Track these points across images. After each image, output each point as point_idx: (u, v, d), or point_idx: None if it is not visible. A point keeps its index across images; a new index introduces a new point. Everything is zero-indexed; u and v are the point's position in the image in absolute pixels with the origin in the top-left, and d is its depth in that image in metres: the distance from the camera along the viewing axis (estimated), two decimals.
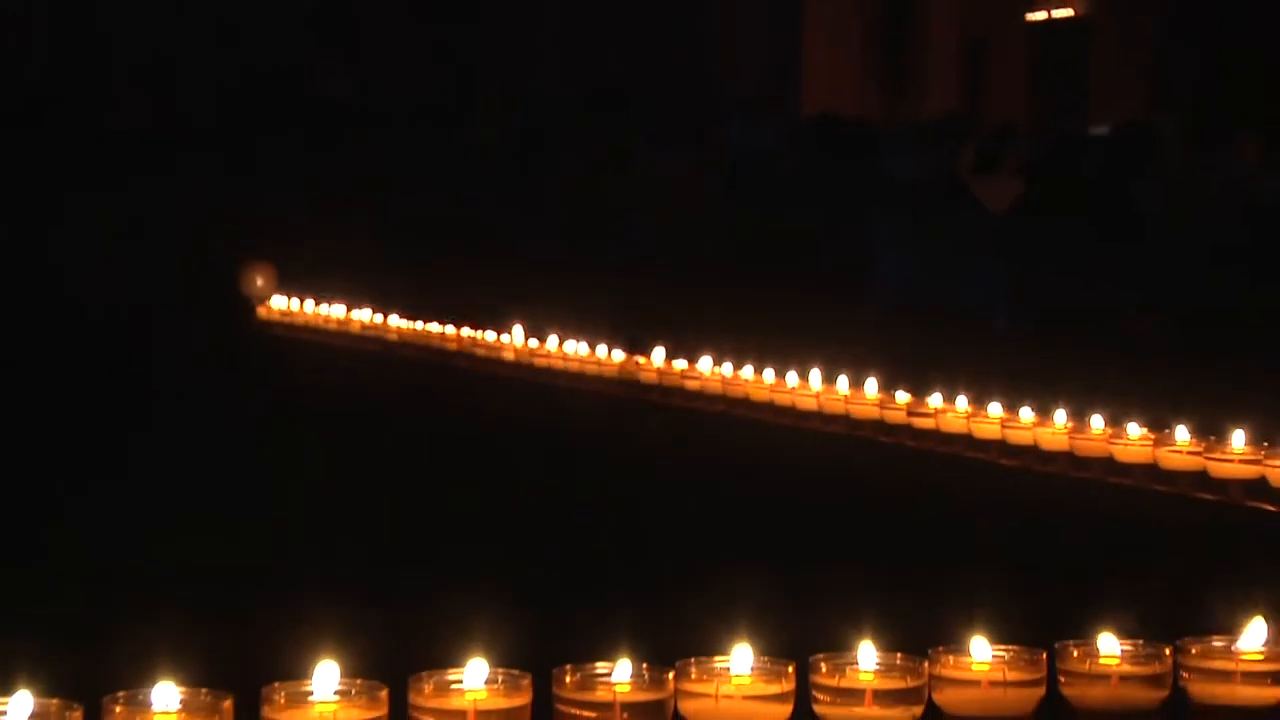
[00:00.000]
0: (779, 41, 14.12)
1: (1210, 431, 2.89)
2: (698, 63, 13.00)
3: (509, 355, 4.79)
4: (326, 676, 1.56)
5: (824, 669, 1.64)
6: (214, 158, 7.92)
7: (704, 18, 13.49)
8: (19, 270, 6.40)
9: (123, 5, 11.29)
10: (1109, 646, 1.71)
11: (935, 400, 3.37)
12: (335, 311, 5.76)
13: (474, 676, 1.59)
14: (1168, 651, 1.72)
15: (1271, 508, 2.74)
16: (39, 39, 11.57)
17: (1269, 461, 2.76)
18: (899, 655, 1.66)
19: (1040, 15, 15.86)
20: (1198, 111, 7.61)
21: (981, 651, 1.68)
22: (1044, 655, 1.68)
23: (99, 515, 3.72)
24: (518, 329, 4.76)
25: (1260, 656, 1.74)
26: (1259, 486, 2.77)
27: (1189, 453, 2.87)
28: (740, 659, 1.64)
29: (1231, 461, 2.81)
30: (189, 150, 8.10)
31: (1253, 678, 1.73)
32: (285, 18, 11.81)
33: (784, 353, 3.81)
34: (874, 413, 3.48)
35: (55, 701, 1.52)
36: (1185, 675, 1.73)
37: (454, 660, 1.60)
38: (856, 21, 16.78)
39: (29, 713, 1.50)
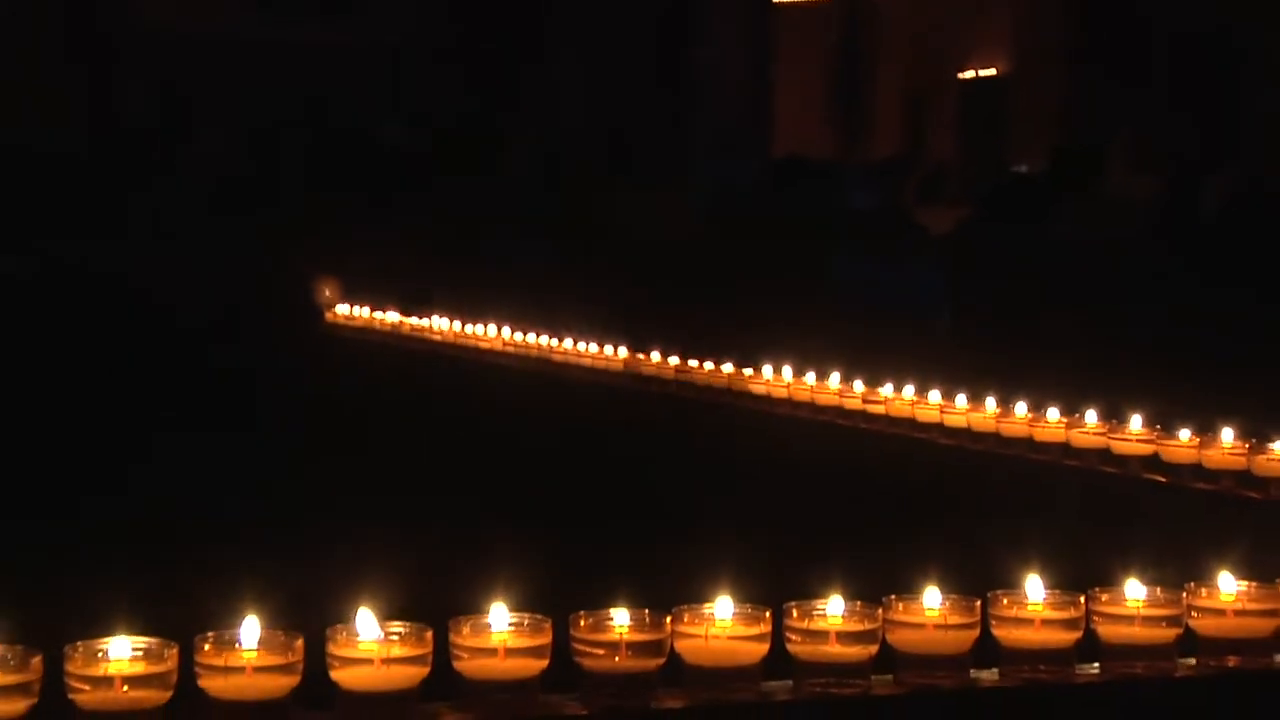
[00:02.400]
0: (754, 95, 14.16)
1: (1113, 416, 2.88)
2: (687, 112, 13.02)
3: (532, 352, 4.78)
4: (368, 621, 1.55)
5: (795, 614, 1.62)
6: (293, 193, 7.92)
7: (691, 75, 13.55)
8: (135, 283, 6.40)
9: (226, 72, 11.32)
10: (1033, 595, 1.69)
11: (885, 390, 3.37)
12: (388, 317, 5.77)
13: (502, 620, 1.57)
14: (1081, 599, 1.69)
15: (1163, 479, 2.72)
16: (150, 94, 11.57)
17: (1161, 441, 2.76)
18: (858, 602, 1.64)
19: (969, 74, 15.91)
20: (1090, 152, 7.66)
21: (927, 599, 1.66)
22: (978, 602, 1.66)
23: (191, 474, 3.71)
24: (543, 335, 4.75)
25: (1157, 603, 1.72)
26: (1153, 462, 2.76)
27: (1095, 433, 2.87)
28: (725, 606, 1.62)
29: (1130, 441, 2.80)
30: (273, 187, 8.11)
31: (1151, 621, 1.71)
32: (350, 77, 11.83)
33: (760, 351, 3.80)
34: (834, 400, 3.48)
35: (155, 640, 1.49)
36: (1096, 619, 1.71)
37: (485, 607, 1.58)
38: (818, 78, 16.84)
39: (130, 651, 1.48)
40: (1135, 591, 1.72)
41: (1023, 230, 6.17)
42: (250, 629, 1.51)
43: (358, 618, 1.53)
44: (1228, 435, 2.68)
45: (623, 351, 4.29)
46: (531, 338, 4.79)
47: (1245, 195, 6.64)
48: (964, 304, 5.39)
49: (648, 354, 4.17)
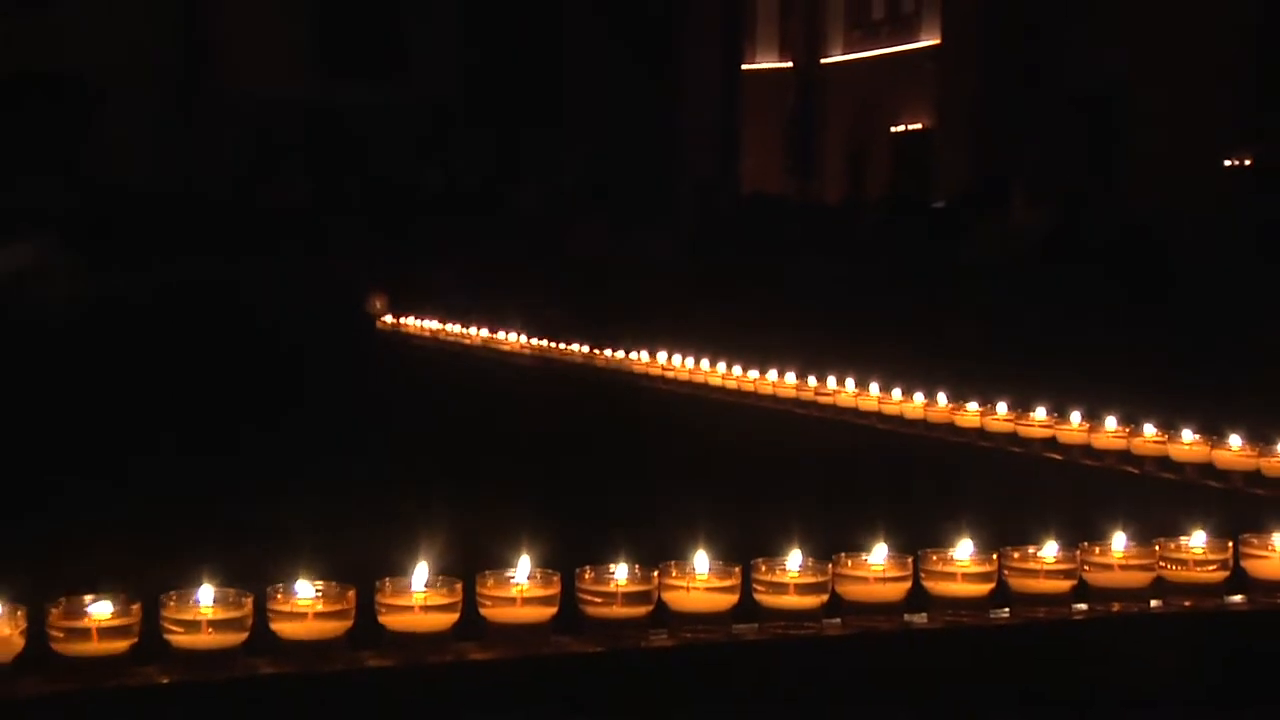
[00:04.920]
0: (726, 145, 14.19)
1: (1019, 406, 2.86)
2: (673, 158, 13.05)
3: (546, 355, 4.75)
4: (420, 574, 1.53)
5: (761, 569, 1.60)
6: (352, 224, 7.89)
7: (677, 129, 13.59)
8: (225, 301, 6.38)
9: (299, 126, 11.33)
10: (959, 553, 1.67)
11: (833, 384, 3.35)
12: (429, 325, 5.74)
13: (520, 574, 1.55)
14: (995, 556, 1.67)
15: (1059, 457, 2.70)
16: (238, 145, 11.58)
17: (1058, 427, 2.74)
18: (811, 559, 1.61)
19: (900, 128, 15.94)
20: (996, 190, 7.70)
21: (869, 556, 1.64)
22: (910, 559, 1.64)
23: (272, 454, 3.68)
24: (541, 340, 4.72)
25: (1058, 560, 1.70)
26: (1051, 443, 2.74)
27: (1004, 420, 2.85)
28: (703, 562, 1.60)
29: (1033, 426, 2.78)
30: (337, 220, 8.08)
31: (1052, 574, 1.69)
32: (397, 130, 11.82)
33: (732, 351, 3.78)
34: (791, 393, 3.46)
35: (234, 590, 1.47)
36: (1007, 572, 1.68)
37: (507, 564, 1.56)
38: (778, 131, 16.87)
39: (212, 600, 1.46)
40: (1039, 549, 1.70)
41: (940, 253, 6.17)
42: (309, 582, 1.49)
43: (415, 571, 1.51)
44: (1111, 422, 2.67)
45: (619, 353, 4.27)
46: (549, 342, 4.77)
47: (1119, 223, 6.65)
48: (893, 313, 5.38)
49: (639, 353, 4.15)
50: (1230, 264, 5.64)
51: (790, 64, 17.54)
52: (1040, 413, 2.79)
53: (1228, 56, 11.30)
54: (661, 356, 4.04)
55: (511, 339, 5.01)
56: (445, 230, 7.48)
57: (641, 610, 1.55)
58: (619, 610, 1.54)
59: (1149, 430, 2.59)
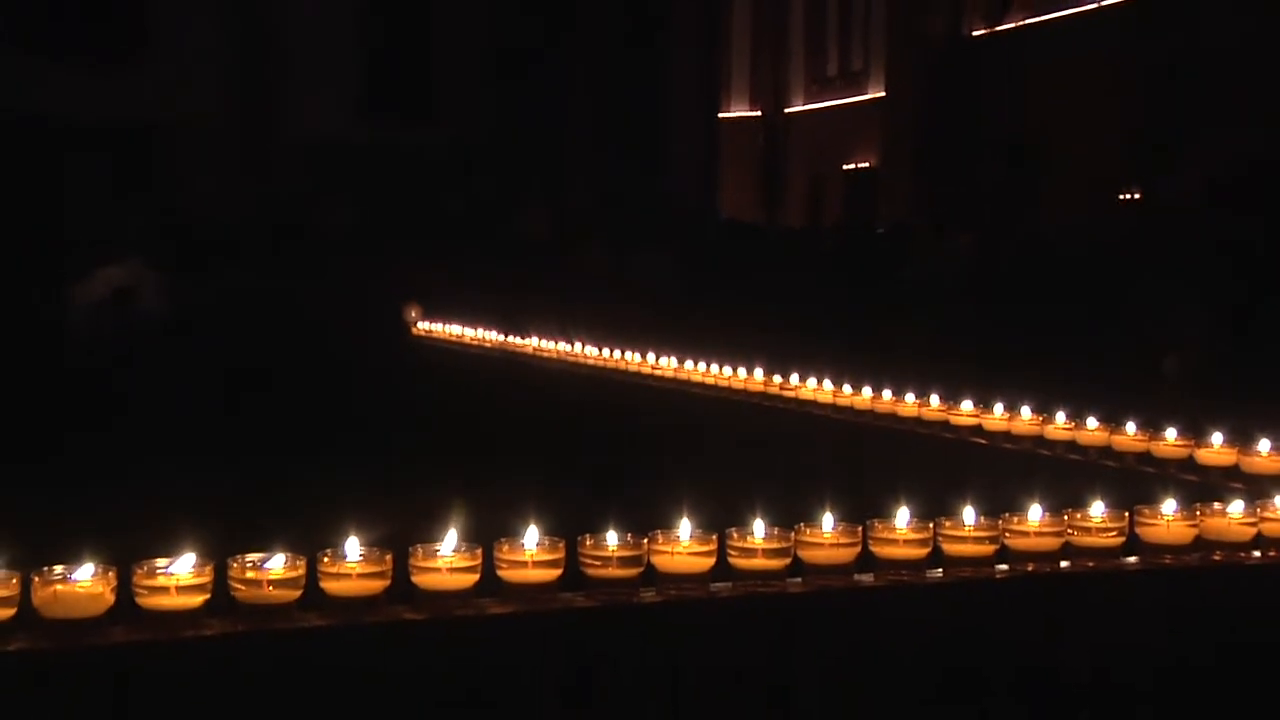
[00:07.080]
0: (706, 178, 14.21)
1: (950, 399, 2.86)
2: (662, 187, 13.06)
3: (554, 356, 4.74)
4: (450, 541, 1.52)
5: (734, 536, 1.60)
6: (391, 244, 7.85)
7: (667, 166, 13.59)
8: (285, 311, 6.34)
9: (342, 162, 11.28)
10: (900, 522, 1.67)
11: (795, 380, 3.34)
12: (457, 330, 5.73)
13: (531, 541, 1.54)
14: (930, 525, 1.67)
15: (984, 442, 2.70)
16: (293, 178, 11.53)
17: (984, 416, 2.74)
18: (776, 528, 1.61)
19: (851, 166, 15.96)
20: (935, 220, 7.71)
21: (825, 525, 1.64)
22: (860, 528, 1.64)
23: (322, 439, 3.66)
24: (573, 344, 4.71)
25: (982, 528, 1.69)
26: (978, 430, 2.74)
27: (939, 411, 2.85)
28: (686, 531, 1.59)
29: (962, 416, 2.78)
30: (378, 241, 8.04)
31: (978, 540, 1.68)
32: (428, 165, 11.81)
33: (710, 353, 3.77)
34: (760, 388, 3.46)
35: (289, 554, 1.46)
36: (941, 538, 1.68)
37: (519, 533, 1.55)
38: (749, 168, 16.87)
39: (273, 562, 1.45)
40: (968, 519, 1.70)
41: (885, 271, 6.17)
42: (354, 547, 1.49)
43: (443, 539, 1.50)
44: (1026, 412, 2.67)
45: (615, 354, 4.26)
46: (565, 346, 4.76)
47: (1034, 247, 6.65)
48: (850, 320, 5.37)
49: (632, 356, 4.14)
50: (1128, 279, 5.65)
51: (759, 112, 17.58)
52: (969, 405, 2.80)
53: (1122, 112, 11.42)
54: (650, 357, 4.04)
55: (523, 342, 5.00)
56: (469, 249, 7.46)
57: (633, 571, 1.54)
58: (614, 571, 1.54)
59: (1059, 419, 2.60)
